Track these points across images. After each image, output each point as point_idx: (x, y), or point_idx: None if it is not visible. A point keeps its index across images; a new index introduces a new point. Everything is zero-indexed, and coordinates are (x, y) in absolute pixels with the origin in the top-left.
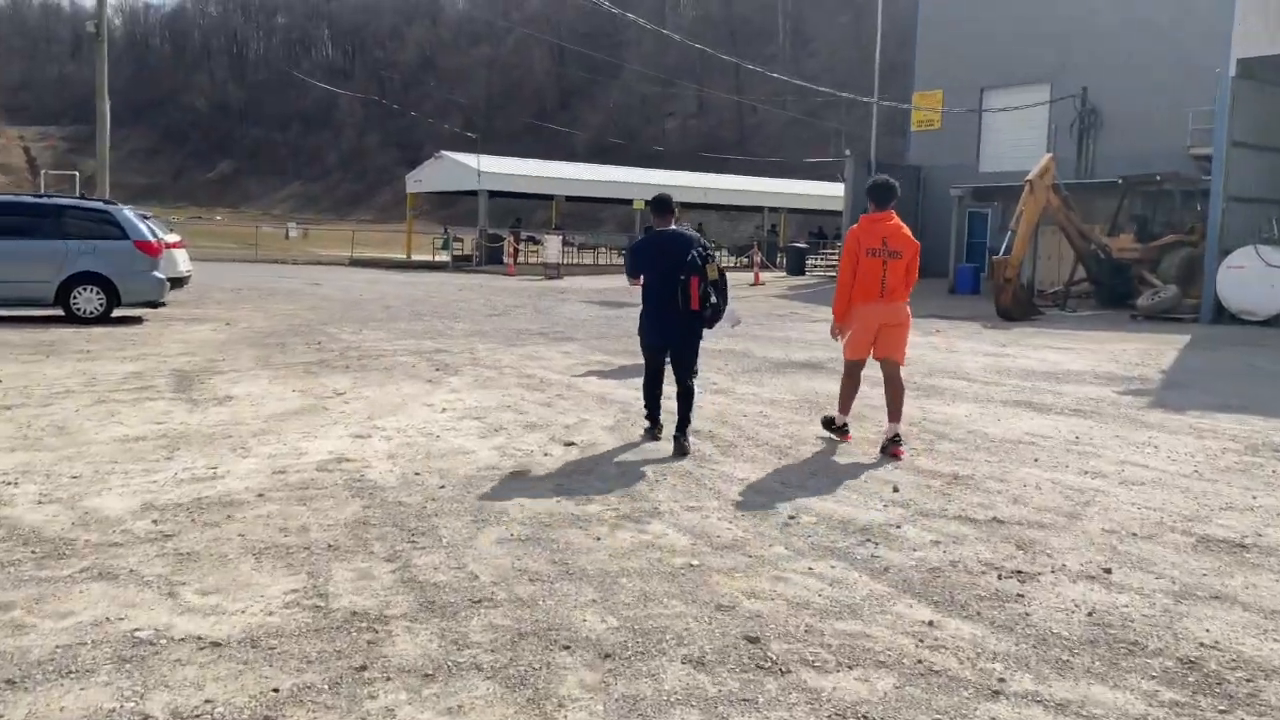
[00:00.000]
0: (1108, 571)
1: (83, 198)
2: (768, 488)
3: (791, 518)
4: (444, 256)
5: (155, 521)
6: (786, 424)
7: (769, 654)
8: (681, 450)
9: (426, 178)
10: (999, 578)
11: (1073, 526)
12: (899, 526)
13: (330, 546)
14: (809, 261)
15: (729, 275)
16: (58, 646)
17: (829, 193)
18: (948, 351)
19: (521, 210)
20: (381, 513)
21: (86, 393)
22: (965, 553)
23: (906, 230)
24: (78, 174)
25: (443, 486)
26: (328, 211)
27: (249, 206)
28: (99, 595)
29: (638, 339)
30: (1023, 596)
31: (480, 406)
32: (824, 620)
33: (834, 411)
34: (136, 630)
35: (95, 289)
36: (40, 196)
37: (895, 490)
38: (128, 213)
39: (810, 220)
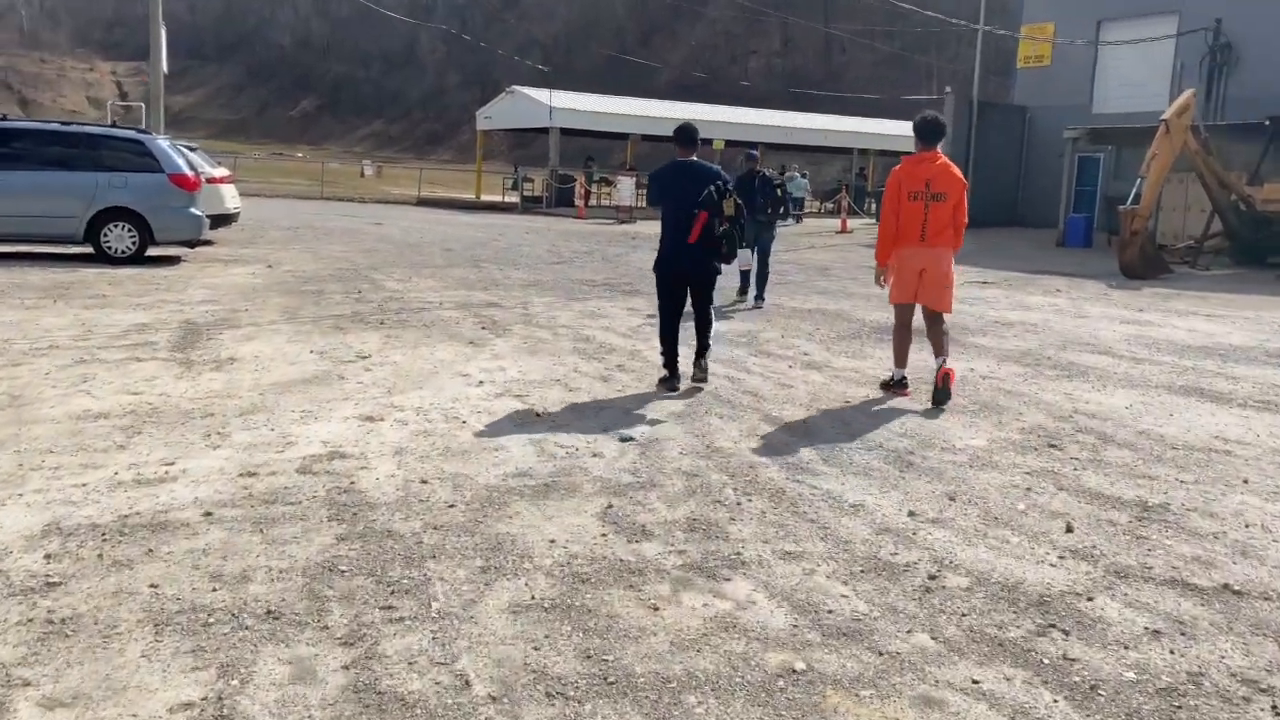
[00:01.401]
0: None
1: (114, 125)
2: (892, 519)
3: (932, 577)
4: (513, 197)
5: (49, 557)
6: (902, 416)
7: None
8: (699, 377)
9: (497, 114)
10: (1277, 713)
11: None
12: (1090, 598)
13: (270, 613)
14: None
15: (812, 221)
16: None
17: None
18: (1076, 317)
19: (596, 150)
20: (360, 550)
21: (73, 349)
22: (1205, 655)
23: (955, 170)
24: (144, 105)
25: (452, 505)
26: (408, 150)
27: (330, 144)
28: None
29: (719, 308)
30: None
31: (523, 380)
32: None
33: (893, 374)
34: None
35: (127, 226)
36: (67, 124)
37: (1069, 529)
38: (162, 143)
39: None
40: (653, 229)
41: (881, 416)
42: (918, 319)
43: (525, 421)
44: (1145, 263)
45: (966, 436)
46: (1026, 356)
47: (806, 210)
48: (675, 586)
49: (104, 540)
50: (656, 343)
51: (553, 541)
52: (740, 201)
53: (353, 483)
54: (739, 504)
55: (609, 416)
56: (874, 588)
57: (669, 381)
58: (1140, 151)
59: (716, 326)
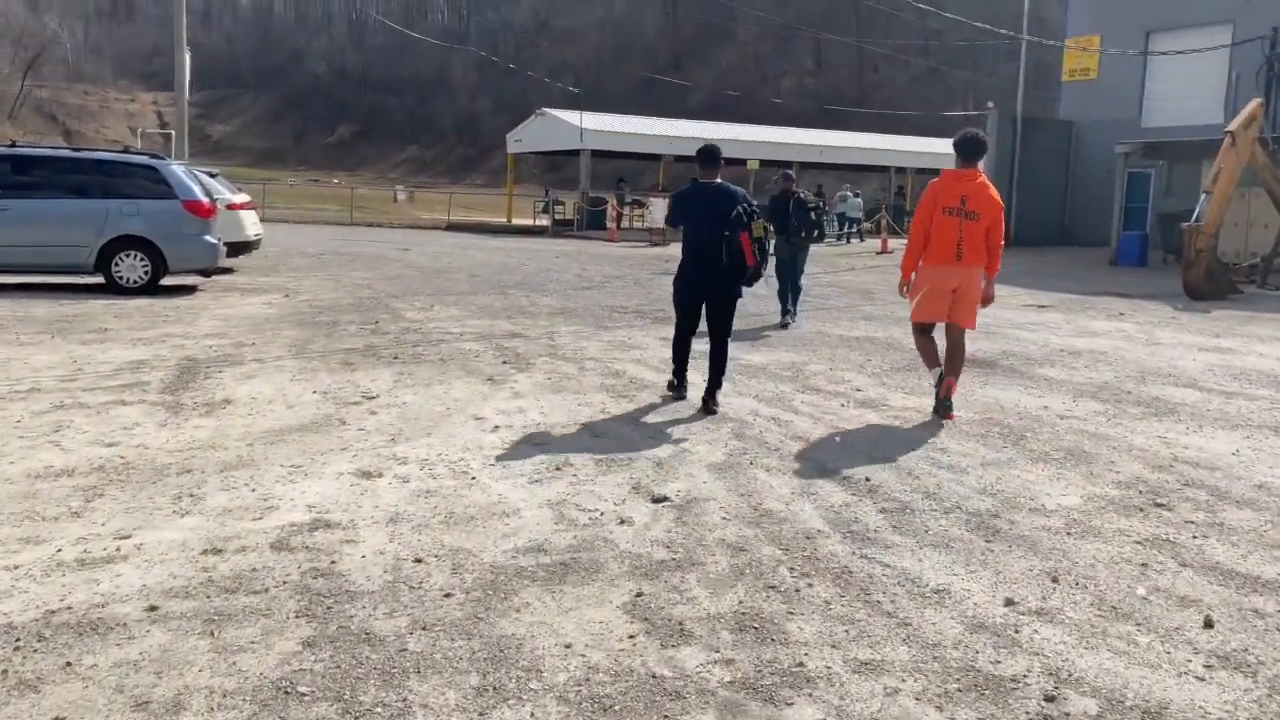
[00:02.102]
0: None
1: (126, 151)
2: (986, 611)
3: (1050, 698)
4: (544, 221)
5: None
6: (978, 467)
7: None
8: (711, 410)
9: (527, 137)
10: None
11: None
12: None
13: None
14: None
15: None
16: None
17: None
18: (1149, 344)
19: (628, 171)
20: (329, 661)
21: (55, 391)
22: None
23: (992, 191)
24: (173, 132)
25: (449, 595)
26: (441, 175)
27: (365, 170)
28: None
29: (754, 323)
30: None
31: (545, 423)
32: None
33: (932, 374)
34: None
35: (139, 254)
36: (78, 150)
37: (1208, 624)
38: (176, 169)
39: None
40: None
41: (954, 468)
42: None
43: (544, 476)
44: (1211, 283)
45: (1056, 493)
46: (1104, 391)
47: (860, 229)
48: (722, 715)
49: (16, 648)
50: (698, 376)
51: (568, 647)
52: (768, 224)
53: (333, 563)
54: (797, 590)
55: (640, 469)
56: (978, 716)
57: (678, 392)
58: (1194, 166)
59: (757, 360)
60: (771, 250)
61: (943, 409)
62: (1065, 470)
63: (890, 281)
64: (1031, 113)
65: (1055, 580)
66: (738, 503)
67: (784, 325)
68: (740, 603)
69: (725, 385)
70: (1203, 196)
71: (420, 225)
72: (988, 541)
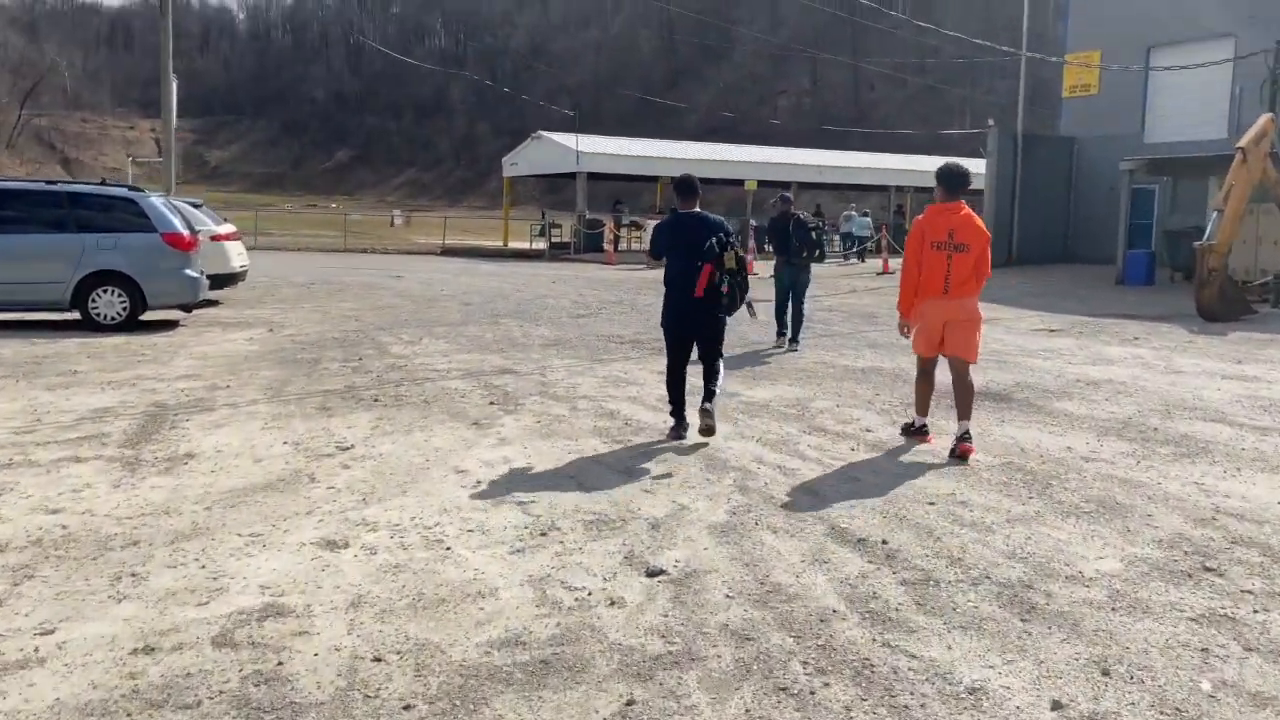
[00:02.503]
0: None
1: (103, 183)
2: (1030, 718)
3: None
4: (541, 244)
5: None
6: (1004, 524)
7: None
8: (707, 428)
9: (524, 160)
10: None
11: None
12: None
13: None
14: None
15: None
16: None
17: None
18: (1169, 373)
19: (625, 194)
20: None
21: (6, 448)
22: None
23: (978, 221)
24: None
25: (408, 707)
26: (440, 198)
27: (364, 194)
28: None
29: (753, 349)
30: None
31: (531, 475)
32: None
33: (915, 420)
34: None
35: (117, 290)
36: (53, 183)
37: None
38: (155, 200)
39: None
40: None
41: (978, 525)
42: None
43: (526, 544)
44: (1225, 303)
45: (1093, 556)
46: (1128, 428)
47: (866, 248)
48: None
49: None
50: (694, 419)
51: None
52: (741, 254)
53: (280, 664)
54: (812, 692)
55: (634, 532)
56: None
57: (676, 431)
58: (1199, 182)
59: (760, 396)
60: (761, 274)
61: (959, 445)
62: (1099, 526)
63: (893, 304)
64: (1031, 129)
65: (1106, 673)
66: (742, 575)
67: (780, 346)
68: (748, 708)
69: (726, 426)
70: (1214, 214)
71: (415, 250)
72: (1024, 621)
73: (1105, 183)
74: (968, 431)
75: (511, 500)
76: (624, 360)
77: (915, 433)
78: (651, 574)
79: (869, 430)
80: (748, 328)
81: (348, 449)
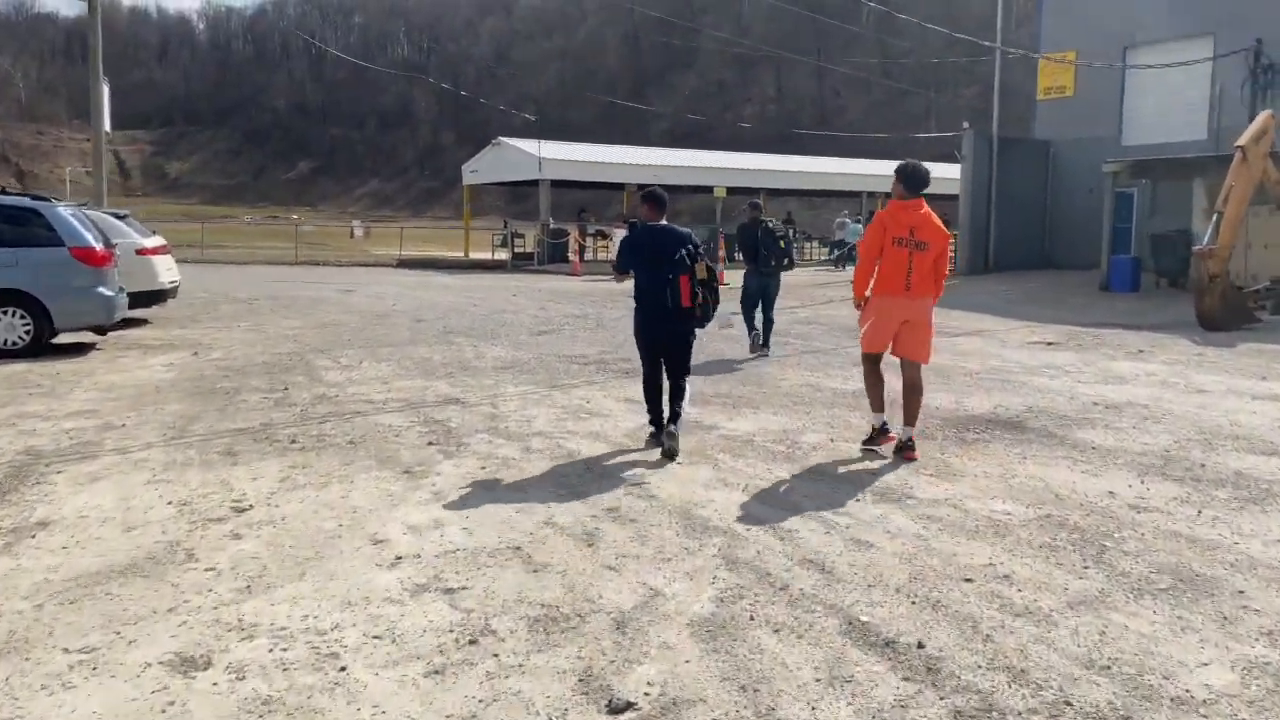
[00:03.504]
0: None
1: (3, 192)
2: None
3: None
4: (504, 255)
5: None
6: (1066, 609)
7: None
8: (670, 452)
9: (484, 167)
10: None
11: None
12: None
13: None
14: None
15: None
16: None
17: (940, 174)
18: (1191, 392)
19: (591, 202)
20: None
21: None
22: None
23: (937, 220)
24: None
25: None
26: (403, 209)
27: (327, 205)
28: None
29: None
30: None
31: (466, 546)
32: None
33: (873, 421)
34: None
35: (18, 311)
36: None
37: None
38: (63, 211)
39: None
40: None
41: (1034, 613)
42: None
43: (449, 660)
44: (1228, 311)
45: (1193, 661)
46: (1171, 464)
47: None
48: None
49: None
50: (664, 458)
51: None
52: (711, 264)
53: None
54: None
55: (593, 635)
56: None
57: (657, 437)
58: (1181, 184)
59: (742, 428)
60: (732, 283)
61: (905, 449)
62: (1186, 611)
63: None
64: (1007, 132)
65: None
66: (739, 707)
67: (755, 354)
68: None
69: (706, 471)
70: (1215, 217)
71: (371, 262)
72: None
73: (1082, 186)
74: (912, 439)
75: (437, 586)
76: (587, 385)
77: (878, 435)
78: (615, 710)
79: (874, 473)
80: (722, 343)
81: (245, 510)
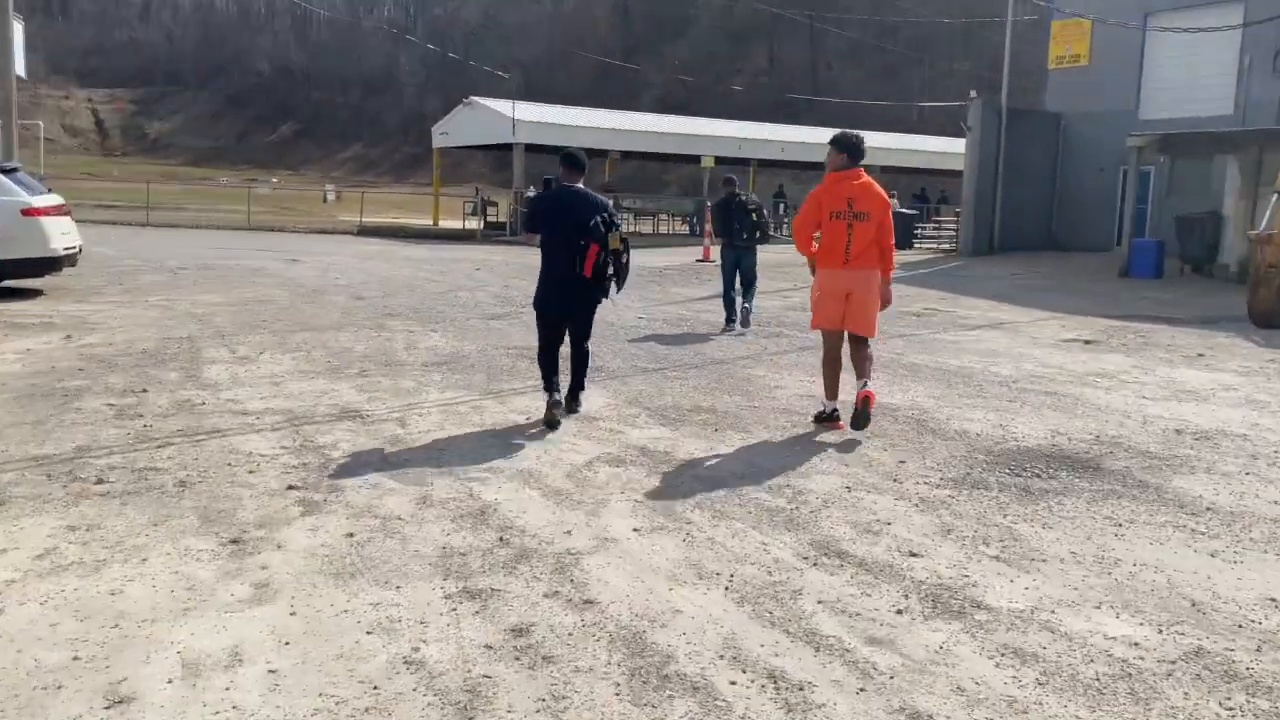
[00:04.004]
0: None
1: None
2: None
3: None
4: (475, 224)
5: None
6: None
7: None
8: (552, 422)
9: (455, 129)
10: None
11: None
12: None
13: None
14: (917, 230)
15: None
16: None
17: (937, 148)
18: (1271, 410)
19: None
20: None
21: None
22: None
23: (877, 188)
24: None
25: None
26: (387, 174)
27: (309, 169)
28: None
29: (721, 374)
30: None
31: (267, 713)
32: None
33: (825, 406)
34: None
35: None
36: None
37: None
38: None
39: (914, 181)
40: (635, 259)
41: None
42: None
43: None
44: None
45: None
46: None
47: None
48: None
49: None
50: (621, 526)
51: None
52: (625, 235)
53: None
54: None
55: None
56: None
57: (551, 403)
58: (1203, 162)
59: (726, 470)
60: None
61: (859, 421)
62: None
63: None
64: (1016, 104)
65: None
66: None
67: (728, 330)
68: None
69: (674, 544)
70: (1275, 198)
71: (332, 229)
72: None
73: (1094, 163)
74: (836, 411)
75: None
76: (533, 391)
77: (826, 419)
78: None
79: (914, 553)
80: (693, 321)
81: None
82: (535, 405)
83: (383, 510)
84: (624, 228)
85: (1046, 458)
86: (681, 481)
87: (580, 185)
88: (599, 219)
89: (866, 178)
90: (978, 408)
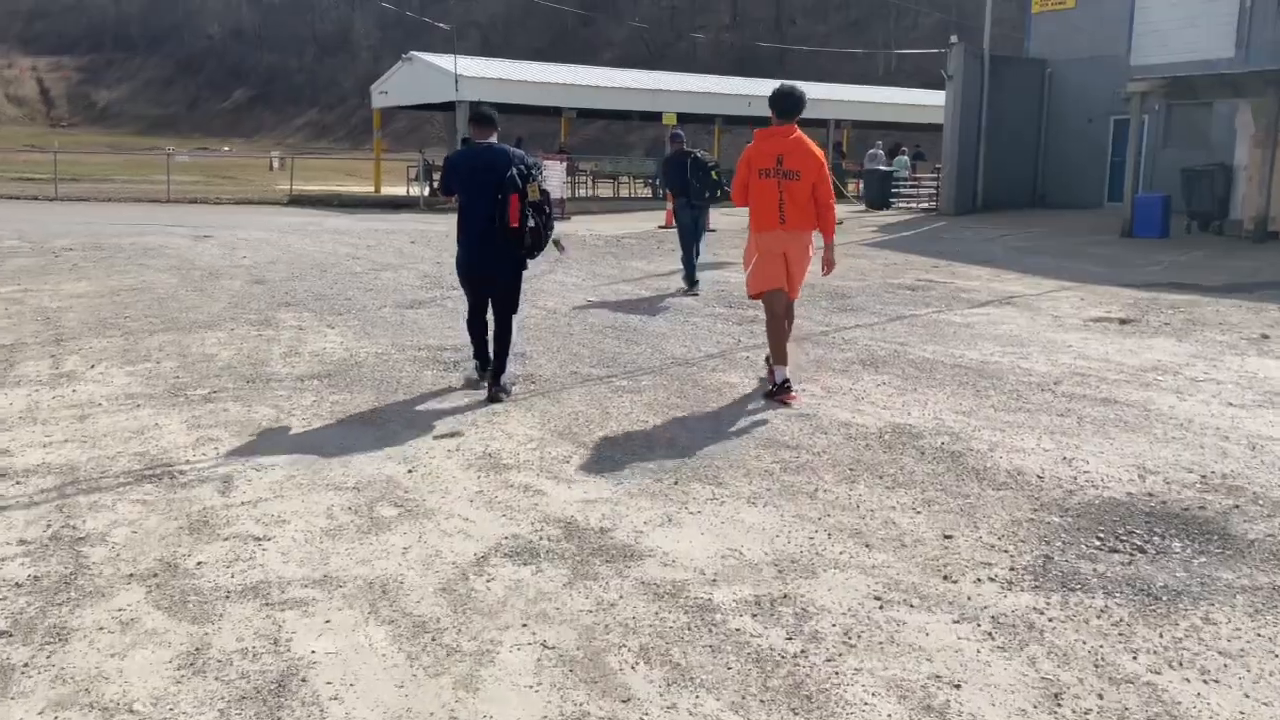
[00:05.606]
0: None
1: None
2: None
3: None
4: (418, 191)
5: None
6: None
7: None
8: (496, 398)
9: (395, 88)
10: None
11: None
12: None
13: None
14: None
15: None
16: None
17: (915, 101)
18: None
19: (537, 133)
20: None
21: None
22: None
23: (811, 145)
24: None
25: None
26: (343, 139)
27: (263, 137)
28: None
29: (686, 379)
30: None
31: None
32: None
33: (777, 375)
34: None
35: None
36: None
37: None
38: None
39: (889, 136)
40: (588, 227)
41: None
42: None
43: None
44: None
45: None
46: None
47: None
48: None
49: None
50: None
51: None
52: (544, 187)
53: None
54: None
55: None
56: None
57: (475, 381)
58: (1200, 111)
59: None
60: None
61: (780, 391)
62: None
63: (862, 270)
64: (999, 49)
65: None
66: None
67: (690, 292)
68: None
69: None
70: None
71: (260, 199)
72: None
73: (1082, 114)
74: (788, 380)
75: None
76: (441, 417)
77: (779, 391)
78: None
79: (940, 679)
80: (652, 305)
81: None
82: (426, 447)
83: (111, 691)
84: (543, 179)
85: (1145, 517)
86: (623, 597)
87: (494, 140)
88: (514, 170)
89: (799, 134)
90: (1024, 428)
